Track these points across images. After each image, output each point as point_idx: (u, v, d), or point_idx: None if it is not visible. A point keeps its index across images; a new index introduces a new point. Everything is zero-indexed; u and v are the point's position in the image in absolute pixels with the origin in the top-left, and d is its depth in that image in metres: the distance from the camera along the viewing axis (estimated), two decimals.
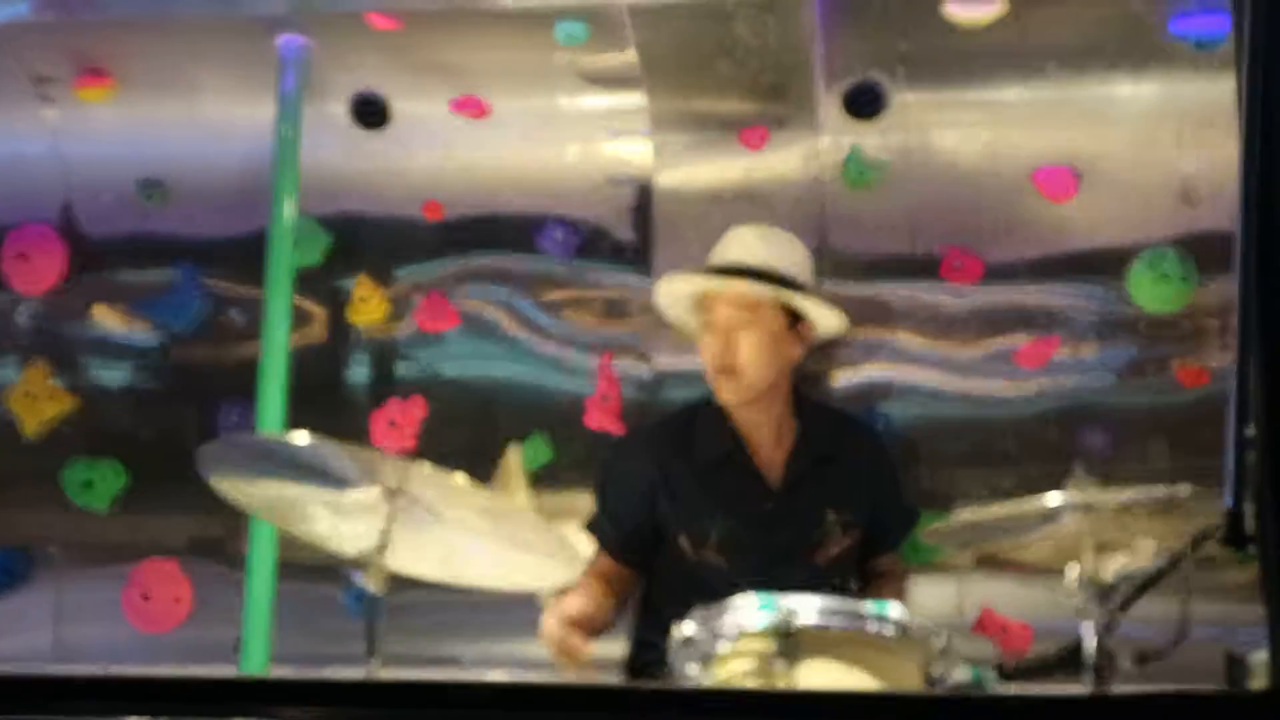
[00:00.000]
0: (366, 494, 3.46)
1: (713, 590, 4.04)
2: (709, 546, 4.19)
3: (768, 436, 4.26)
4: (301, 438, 3.50)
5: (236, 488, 3.70)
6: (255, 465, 3.69)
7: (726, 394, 4.20)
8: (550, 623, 3.93)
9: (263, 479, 3.69)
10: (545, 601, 3.99)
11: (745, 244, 4.25)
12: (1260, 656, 1.66)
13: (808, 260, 4.32)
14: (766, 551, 4.17)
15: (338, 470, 3.46)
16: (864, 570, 4.37)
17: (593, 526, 4.32)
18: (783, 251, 4.26)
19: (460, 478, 3.45)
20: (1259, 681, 1.68)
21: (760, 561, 4.14)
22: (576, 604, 3.97)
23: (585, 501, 4.56)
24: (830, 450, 4.28)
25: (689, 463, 4.26)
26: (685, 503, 4.22)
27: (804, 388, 4.44)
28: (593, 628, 4.00)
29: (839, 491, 4.23)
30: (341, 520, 3.55)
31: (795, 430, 4.29)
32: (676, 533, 4.22)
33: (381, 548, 3.40)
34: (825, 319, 4.27)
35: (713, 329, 4.19)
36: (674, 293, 4.38)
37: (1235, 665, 1.78)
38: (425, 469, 3.40)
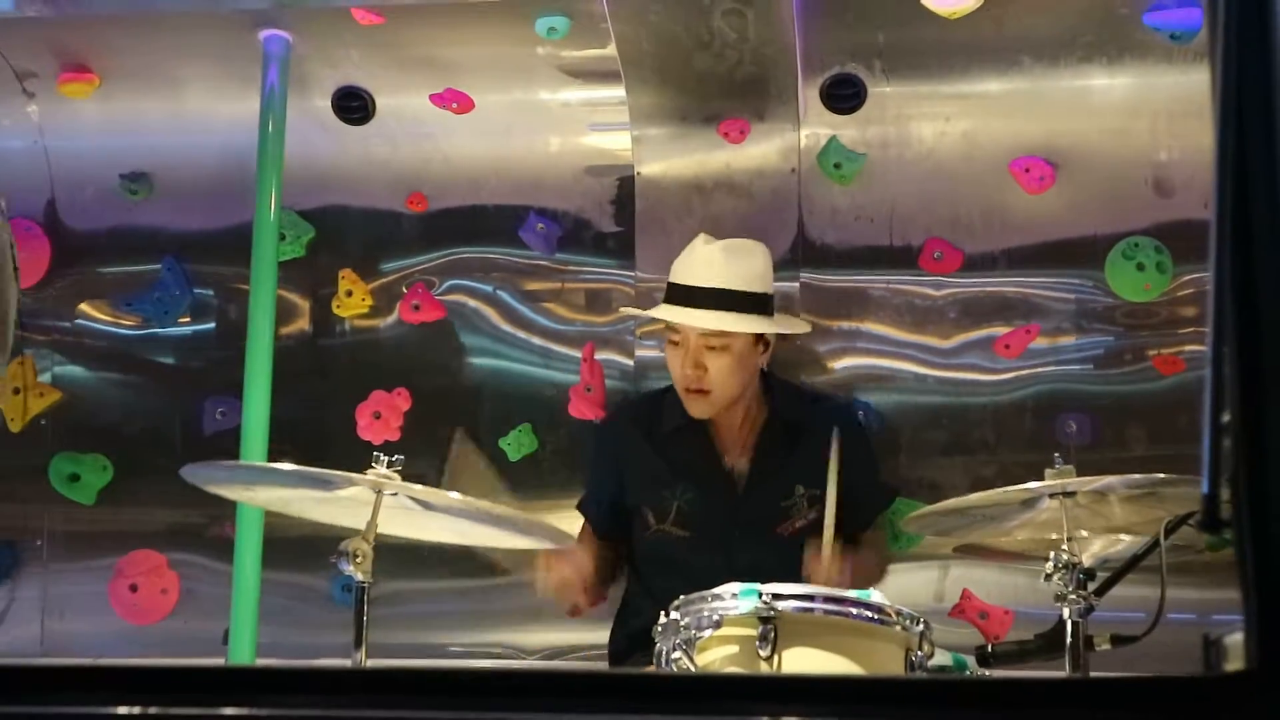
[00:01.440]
0: (354, 491, 3.50)
1: (678, 562, 4.15)
2: (670, 519, 4.27)
3: (736, 415, 4.35)
4: (283, 466, 3.56)
5: (226, 489, 3.79)
6: (239, 479, 3.77)
7: (697, 411, 4.27)
8: (546, 575, 4.10)
9: (249, 488, 3.77)
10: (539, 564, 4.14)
11: (711, 265, 4.27)
12: (1236, 639, 1.69)
13: (769, 266, 4.37)
14: (729, 523, 4.24)
15: (321, 479, 3.51)
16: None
17: (581, 505, 4.49)
18: (747, 267, 4.29)
19: (443, 491, 3.52)
20: (1235, 663, 1.72)
21: (723, 532, 4.22)
22: (572, 561, 4.14)
23: (570, 490, 4.60)
24: (798, 422, 4.34)
25: (652, 437, 4.35)
26: (647, 477, 4.31)
27: (776, 370, 4.51)
28: (584, 580, 4.17)
29: (808, 468, 4.28)
30: (334, 510, 3.60)
31: (763, 406, 4.37)
32: (640, 507, 4.30)
33: (368, 537, 3.43)
34: (791, 330, 4.35)
35: (682, 351, 4.23)
36: (641, 316, 4.47)
37: (1212, 647, 1.81)
38: (403, 483, 3.45)
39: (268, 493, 3.79)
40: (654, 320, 4.76)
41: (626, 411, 4.60)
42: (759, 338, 4.28)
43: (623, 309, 4.68)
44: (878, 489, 4.52)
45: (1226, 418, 1.70)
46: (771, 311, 4.33)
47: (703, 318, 4.22)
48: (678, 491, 4.29)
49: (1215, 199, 1.70)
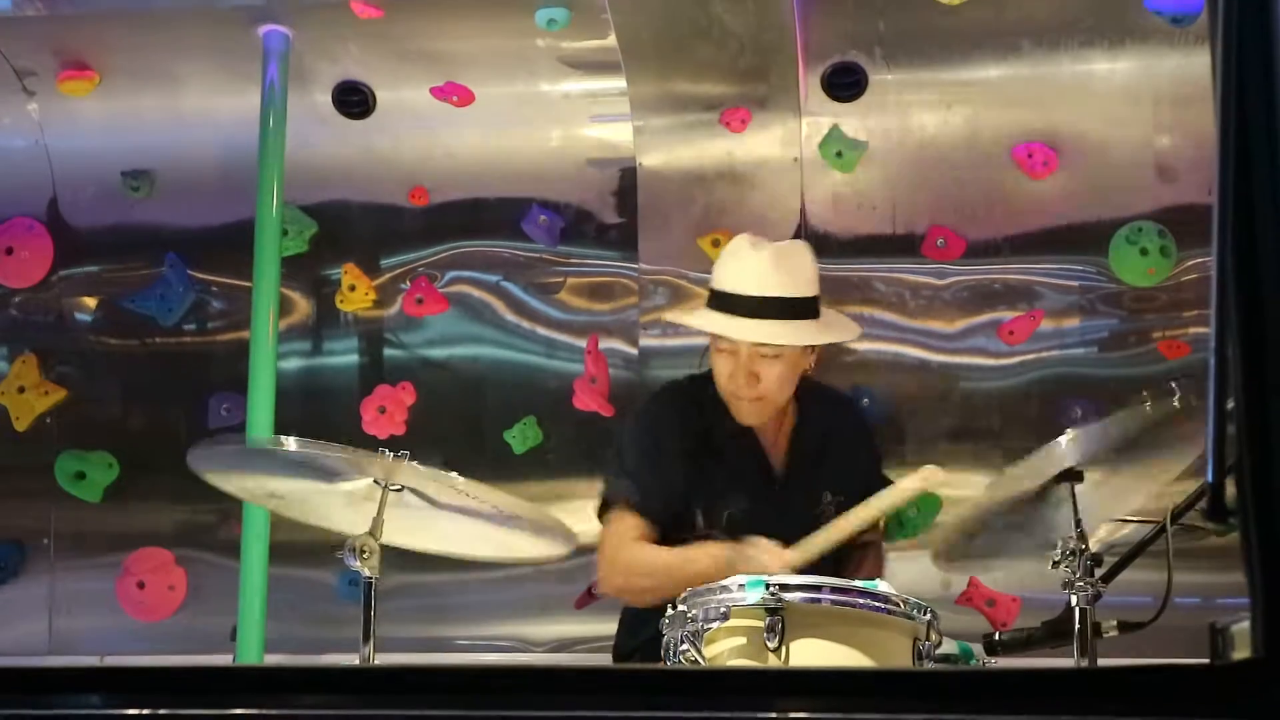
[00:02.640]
0: (358, 484, 3.50)
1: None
2: (719, 525, 4.20)
3: (773, 420, 4.27)
4: (289, 442, 3.54)
5: (229, 481, 3.75)
6: (245, 464, 3.74)
7: (748, 418, 4.15)
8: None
9: (254, 475, 3.74)
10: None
11: (761, 271, 4.08)
12: (1243, 627, 1.69)
13: (814, 265, 4.16)
14: (768, 532, 4.17)
15: (327, 465, 3.49)
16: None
17: (638, 499, 4.09)
18: (797, 270, 4.11)
19: (447, 472, 3.49)
20: (1242, 652, 1.71)
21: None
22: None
23: (577, 483, 4.58)
24: (828, 430, 4.29)
25: (713, 438, 4.22)
26: (707, 477, 4.21)
27: None
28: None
29: (835, 473, 4.23)
30: (336, 507, 3.59)
31: (795, 411, 4.30)
32: (694, 505, 4.19)
33: (374, 533, 3.42)
34: (843, 337, 4.27)
35: (733, 360, 4.09)
36: (691, 324, 4.30)
37: (1219, 636, 1.81)
38: (413, 465, 3.42)
39: (269, 483, 3.73)
40: (659, 309, 4.76)
41: (691, 400, 4.25)
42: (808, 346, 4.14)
43: (667, 316, 4.55)
44: (880, 484, 4.46)
45: (1230, 405, 1.70)
46: (819, 312, 4.14)
47: (757, 330, 4.04)
48: (729, 500, 4.21)
49: (1217, 185, 1.70)
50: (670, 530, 4.15)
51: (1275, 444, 1.69)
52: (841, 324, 4.31)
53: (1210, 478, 1.72)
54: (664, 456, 4.19)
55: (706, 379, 4.27)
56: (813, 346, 4.15)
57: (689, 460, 4.20)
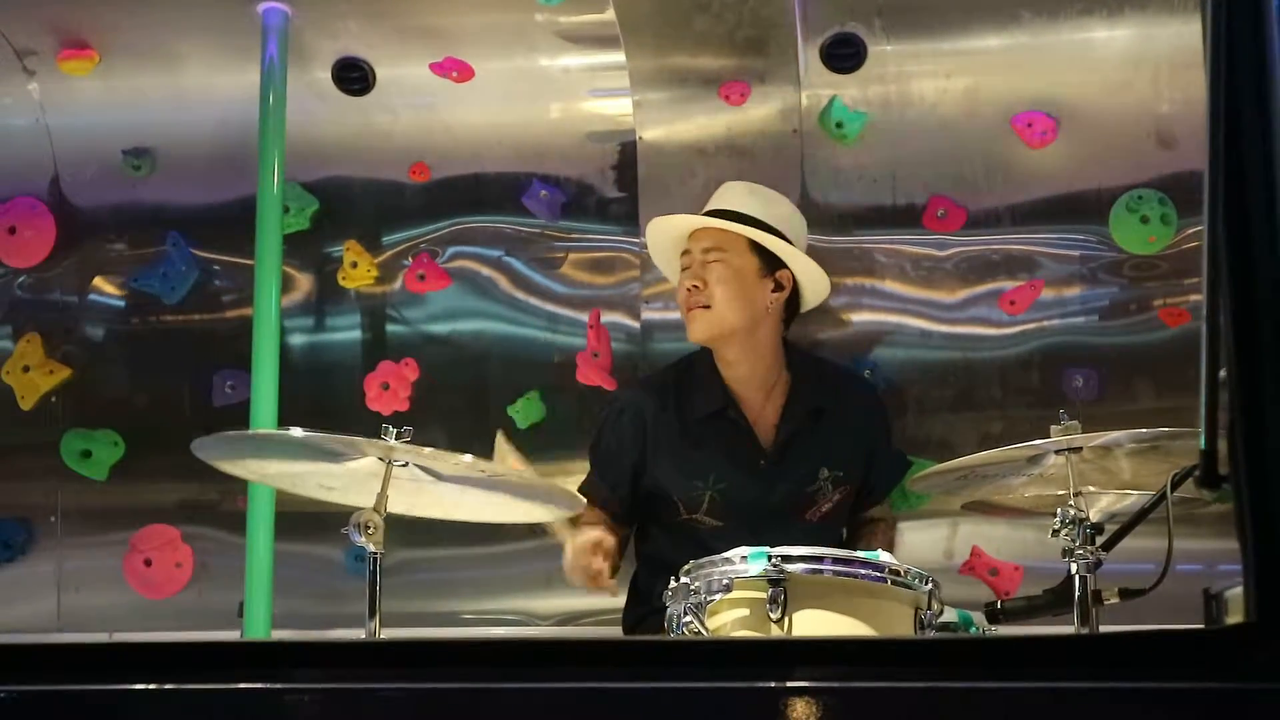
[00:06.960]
0: (363, 463, 3.52)
1: (707, 549, 4.08)
2: (702, 509, 4.22)
3: (758, 392, 4.29)
4: (294, 431, 3.56)
5: (234, 466, 3.79)
6: (249, 452, 3.77)
7: (697, 330, 4.24)
8: (572, 549, 3.98)
9: (259, 460, 3.77)
10: (562, 535, 4.04)
11: (725, 194, 4.34)
12: (1236, 592, 1.71)
13: (793, 217, 4.37)
14: (760, 511, 4.18)
15: (331, 448, 3.51)
16: (853, 518, 4.41)
17: (589, 488, 4.28)
18: (762, 202, 4.31)
19: (450, 454, 3.51)
20: (1235, 617, 1.73)
21: (753, 521, 4.15)
22: (594, 533, 4.01)
23: (579, 457, 4.59)
24: (822, 404, 4.30)
25: (681, 421, 4.28)
26: (678, 464, 4.23)
27: (792, 340, 4.47)
28: (608, 554, 4.00)
29: (831, 449, 4.25)
30: (344, 484, 3.61)
31: (787, 384, 4.32)
32: (670, 495, 4.24)
33: (379, 508, 3.44)
34: (798, 262, 4.29)
35: (688, 268, 4.25)
36: (658, 236, 4.43)
37: (1213, 601, 1.82)
38: (415, 449, 3.44)
39: (276, 466, 3.79)
40: (660, 282, 4.77)
41: (652, 392, 4.38)
42: (768, 273, 4.24)
43: (649, 224, 4.57)
44: (893, 460, 4.49)
45: (1223, 373, 1.71)
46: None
47: (695, 220, 4.28)
48: (710, 481, 4.22)
49: (1208, 155, 1.70)
50: (631, 517, 4.31)
51: (1267, 410, 1.70)
52: (812, 269, 4.33)
53: (1204, 444, 1.73)
54: (618, 448, 4.31)
55: (682, 365, 4.35)
56: (777, 282, 4.21)
57: (659, 452, 4.24)
